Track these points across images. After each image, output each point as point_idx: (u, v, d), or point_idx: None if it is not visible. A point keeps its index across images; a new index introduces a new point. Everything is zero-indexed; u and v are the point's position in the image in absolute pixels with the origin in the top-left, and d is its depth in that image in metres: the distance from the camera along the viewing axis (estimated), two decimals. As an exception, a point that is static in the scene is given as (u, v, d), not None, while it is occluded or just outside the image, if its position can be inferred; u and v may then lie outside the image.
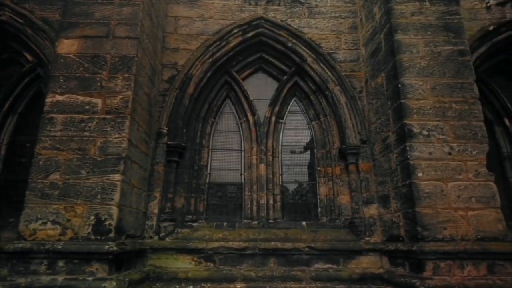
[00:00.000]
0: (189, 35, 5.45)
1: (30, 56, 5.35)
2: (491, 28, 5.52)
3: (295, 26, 5.57)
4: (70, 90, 3.95)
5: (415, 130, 3.93)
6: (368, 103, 5.13)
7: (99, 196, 3.59)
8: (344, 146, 5.04)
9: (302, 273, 4.40)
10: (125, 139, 3.80)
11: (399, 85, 4.10)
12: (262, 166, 5.19)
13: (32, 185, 3.61)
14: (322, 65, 5.38)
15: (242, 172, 5.35)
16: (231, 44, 5.41)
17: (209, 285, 4.23)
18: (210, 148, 5.41)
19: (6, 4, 5.01)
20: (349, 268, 4.47)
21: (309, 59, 5.42)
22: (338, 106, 5.21)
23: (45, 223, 3.49)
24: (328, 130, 5.40)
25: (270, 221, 4.98)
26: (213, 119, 5.52)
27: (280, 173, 5.41)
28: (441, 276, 3.46)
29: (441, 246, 3.52)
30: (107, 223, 3.52)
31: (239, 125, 5.61)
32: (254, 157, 5.28)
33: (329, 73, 5.34)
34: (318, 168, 5.40)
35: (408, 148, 3.87)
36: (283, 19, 5.61)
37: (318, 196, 5.29)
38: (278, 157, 5.48)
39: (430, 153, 3.85)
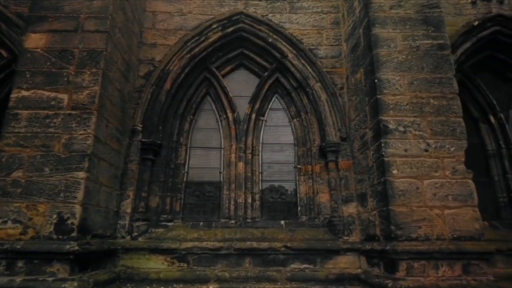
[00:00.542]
0: (167, 30, 5.34)
1: (5, 52, 5.24)
2: (476, 23, 5.41)
3: (276, 22, 5.45)
4: (36, 85, 3.83)
5: (390, 126, 3.81)
6: (348, 99, 5.02)
7: (62, 194, 3.48)
8: (324, 144, 4.93)
9: (278, 273, 4.28)
10: (90, 135, 3.68)
11: (376, 80, 3.99)
12: (241, 164, 5.08)
13: (-6, 183, 3.49)
14: (303, 61, 5.27)
15: (221, 170, 5.23)
16: (210, 40, 5.30)
17: (181, 285, 4.12)
18: (188, 146, 5.29)
19: (-21, -1, 4.91)
20: (326, 268, 4.36)
21: (290, 55, 5.30)
22: (318, 103, 5.10)
23: (5, 222, 3.37)
24: (309, 128, 5.29)
25: (248, 220, 4.87)
26: (191, 116, 5.40)
27: (260, 171, 5.29)
28: (414, 276, 3.34)
29: (415, 245, 3.40)
30: (69, 222, 3.40)
31: (219, 122, 5.50)
32: (233, 155, 5.16)
33: (310, 70, 5.22)
34: (299, 166, 5.29)
35: (383, 144, 3.75)
36: (264, 14, 5.49)
37: (298, 195, 5.18)
38: (259, 155, 5.36)
39: (406, 150, 3.73)
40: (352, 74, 4.88)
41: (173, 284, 4.13)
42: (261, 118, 5.53)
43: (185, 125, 5.30)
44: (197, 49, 5.22)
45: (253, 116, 5.38)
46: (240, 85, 5.67)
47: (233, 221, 4.81)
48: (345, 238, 4.50)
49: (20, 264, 3.27)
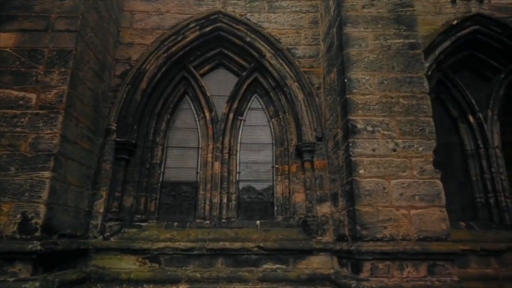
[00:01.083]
0: (144, 29, 5.33)
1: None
2: (455, 22, 5.40)
3: (254, 21, 5.44)
4: (5, 85, 3.83)
5: (359, 126, 3.79)
6: (324, 99, 5.00)
7: (27, 194, 3.47)
8: (300, 144, 4.92)
9: (250, 273, 4.27)
10: (57, 135, 3.67)
11: (345, 80, 3.97)
12: (217, 164, 5.06)
13: (-42, 183, 3.49)
14: (281, 61, 5.25)
15: (198, 170, 5.22)
16: (188, 39, 5.29)
17: (151, 286, 4.11)
18: (165, 145, 5.28)
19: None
20: (298, 269, 4.35)
21: (268, 55, 5.28)
22: (295, 103, 5.08)
23: (-32, 222, 3.37)
24: (287, 127, 5.28)
25: (223, 220, 4.85)
26: (169, 116, 5.38)
27: (238, 171, 5.28)
28: (378, 277, 3.32)
29: (380, 246, 3.38)
30: (33, 221, 3.39)
31: (197, 122, 5.48)
32: (209, 155, 5.15)
33: (287, 69, 5.21)
34: (276, 166, 5.28)
35: (351, 144, 3.73)
36: (243, 13, 5.48)
37: (275, 195, 5.17)
38: (236, 154, 5.35)
39: (373, 150, 3.71)
40: (327, 74, 4.87)
41: (143, 284, 4.12)
42: (240, 117, 5.52)
43: (162, 124, 5.29)
44: (174, 48, 5.21)
45: (231, 115, 5.36)
46: (220, 84, 5.66)
47: (208, 221, 4.80)
48: (319, 238, 4.49)
49: (-18, 264, 3.26)
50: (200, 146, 5.34)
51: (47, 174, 3.54)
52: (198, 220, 4.87)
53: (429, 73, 5.24)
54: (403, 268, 3.36)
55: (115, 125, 4.74)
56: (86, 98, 4.26)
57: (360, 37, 4.14)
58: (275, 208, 5.10)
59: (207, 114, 5.34)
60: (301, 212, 4.79)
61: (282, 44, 5.34)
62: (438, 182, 3.64)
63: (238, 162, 5.33)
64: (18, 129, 3.68)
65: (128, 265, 4.28)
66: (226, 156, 5.18)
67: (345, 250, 3.72)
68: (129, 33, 5.30)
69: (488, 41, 5.48)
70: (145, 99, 5.03)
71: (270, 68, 5.29)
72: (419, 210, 3.54)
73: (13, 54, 3.94)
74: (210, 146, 5.18)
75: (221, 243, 4.40)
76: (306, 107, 5.03)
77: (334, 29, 4.52)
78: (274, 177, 5.24)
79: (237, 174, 5.26)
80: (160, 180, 5.10)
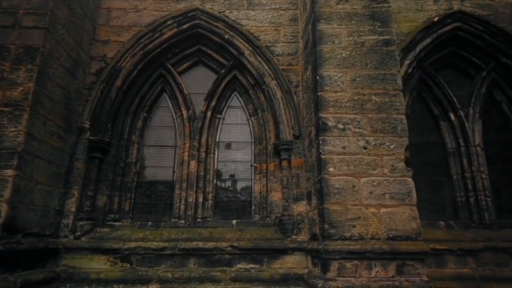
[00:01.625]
0: (121, 27, 5.26)
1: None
2: (436, 19, 5.34)
3: (233, 18, 5.37)
4: (-30, 82, 3.76)
5: (330, 123, 3.73)
6: (302, 97, 4.94)
7: (-11, 193, 3.40)
8: (278, 142, 4.85)
9: (222, 273, 4.21)
10: (21, 132, 3.61)
11: (317, 77, 3.90)
12: (193, 163, 4.99)
13: None
14: (260, 59, 5.18)
15: (175, 169, 5.15)
16: (165, 36, 5.22)
17: (121, 286, 4.05)
18: (141, 144, 5.22)
19: None
20: (272, 268, 4.28)
21: (247, 52, 5.22)
22: (274, 101, 5.01)
23: None
24: (266, 126, 5.21)
25: (198, 220, 4.79)
26: (145, 114, 5.31)
27: (215, 170, 5.21)
28: (345, 277, 3.26)
29: (347, 245, 3.32)
30: (-6, 221, 3.33)
31: (175, 120, 5.41)
32: (186, 154, 5.08)
33: (266, 67, 5.14)
34: (255, 164, 5.21)
35: (321, 142, 3.67)
36: (221, 10, 5.41)
37: (253, 194, 5.10)
38: (214, 153, 5.29)
39: (344, 147, 3.65)
40: (304, 72, 4.81)
41: (113, 284, 4.06)
42: (218, 116, 5.45)
43: (138, 122, 5.22)
44: (150, 46, 5.14)
45: (209, 113, 5.30)
46: (199, 82, 5.59)
47: (182, 221, 4.73)
48: (294, 237, 4.42)
49: None
50: (177, 145, 5.27)
51: (10, 172, 3.47)
52: (173, 220, 4.80)
53: (410, 70, 5.20)
54: (371, 267, 3.30)
55: (89, 123, 4.67)
56: (56, 96, 4.20)
57: (334, 33, 4.08)
58: (253, 207, 5.03)
59: (184, 112, 5.28)
60: (277, 211, 4.73)
61: (261, 41, 5.28)
62: (410, 180, 3.58)
63: (216, 161, 5.26)
64: (-18, 127, 3.62)
65: (98, 265, 4.22)
66: (203, 154, 5.11)
67: (315, 249, 3.66)
68: (106, 30, 5.24)
69: (470, 38, 5.42)
70: (120, 97, 4.96)
71: (249, 66, 5.22)
72: (389, 209, 3.47)
73: (-21, 50, 3.88)
74: (187, 145, 5.11)
75: (194, 242, 4.34)
76: (284, 105, 4.97)
77: (310, 26, 4.46)
78: (253, 176, 5.17)
79: (215, 173, 5.19)
80: (135, 179, 5.02)
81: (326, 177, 3.55)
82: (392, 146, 3.66)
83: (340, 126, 3.71)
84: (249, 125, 5.45)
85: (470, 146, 5.18)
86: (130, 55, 5.05)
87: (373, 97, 3.83)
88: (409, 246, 3.33)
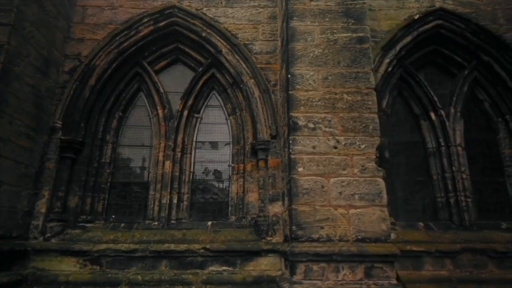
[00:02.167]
0: (96, 24, 5.17)
1: None
2: (417, 17, 5.27)
3: (210, 15, 5.28)
4: None
5: (300, 122, 3.65)
6: (280, 96, 4.85)
7: None
8: (255, 142, 4.77)
9: (194, 276, 4.13)
10: (-17, 132, 3.52)
11: (289, 76, 3.83)
12: (168, 163, 4.90)
13: None
14: (237, 57, 5.10)
15: (150, 170, 5.06)
16: (141, 34, 5.13)
17: (90, 289, 3.96)
18: (116, 144, 5.12)
19: None
20: (245, 271, 4.20)
21: (224, 50, 5.13)
22: (251, 100, 4.93)
23: None
24: (244, 125, 5.13)
25: (172, 221, 4.70)
26: (120, 113, 5.22)
27: (191, 170, 5.12)
28: (312, 280, 3.18)
29: (314, 247, 3.24)
30: (-48, 223, 3.24)
31: (151, 119, 5.32)
32: (161, 154, 4.98)
33: (244, 65, 5.06)
34: (232, 165, 5.13)
35: (291, 141, 3.59)
36: (199, 7, 5.33)
37: (230, 194, 5.02)
38: (191, 153, 5.20)
39: (314, 147, 3.57)
40: (281, 70, 4.73)
41: (82, 287, 3.97)
42: (196, 115, 5.37)
43: (113, 122, 5.12)
44: (126, 44, 5.06)
45: (185, 113, 5.20)
46: (177, 80, 5.49)
47: (156, 223, 4.64)
48: (268, 238, 4.34)
49: None
50: (153, 145, 5.18)
51: (-30, 173, 3.39)
52: (147, 222, 4.71)
53: (390, 69, 5.12)
54: (339, 270, 3.23)
55: (61, 122, 4.58)
56: (24, 95, 4.11)
57: (306, 31, 4.00)
58: (230, 208, 4.95)
59: (160, 111, 5.19)
60: (253, 212, 4.65)
61: (239, 39, 5.19)
62: (380, 180, 3.50)
63: (192, 161, 5.17)
64: None
65: (68, 267, 4.13)
66: (179, 155, 5.02)
67: (284, 251, 3.58)
68: (80, 28, 5.15)
69: (451, 37, 5.34)
70: (94, 96, 4.87)
71: (227, 64, 5.14)
72: (358, 210, 3.40)
73: None
74: (162, 145, 5.02)
75: (166, 245, 4.26)
76: (262, 104, 4.88)
77: (284, 24, 4.38)
78: (230, 176, 5.09)
79: (191, 174, 5.10)
80: (109, 179, 4.93)
81: (295, 177, 3.47)
82: (363, 146, 3.59)
83: (311, 125, 3.63)
84: (228, 125, 5.37)
85: (451, 145, 5.09)
86: (104, 53, 4.96)
87: (345, 95, 3.75)
88: (378, 248, 3.25)
